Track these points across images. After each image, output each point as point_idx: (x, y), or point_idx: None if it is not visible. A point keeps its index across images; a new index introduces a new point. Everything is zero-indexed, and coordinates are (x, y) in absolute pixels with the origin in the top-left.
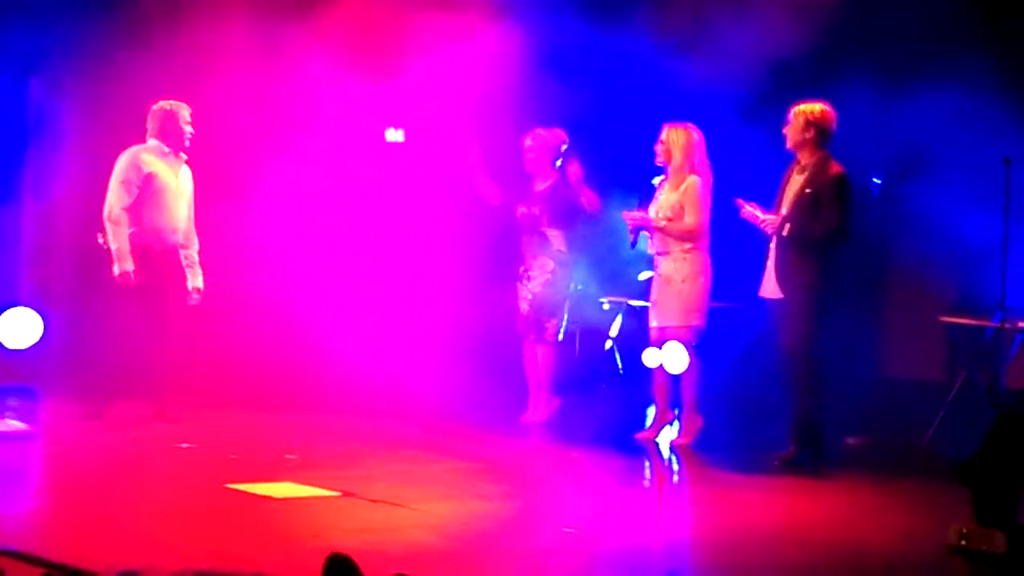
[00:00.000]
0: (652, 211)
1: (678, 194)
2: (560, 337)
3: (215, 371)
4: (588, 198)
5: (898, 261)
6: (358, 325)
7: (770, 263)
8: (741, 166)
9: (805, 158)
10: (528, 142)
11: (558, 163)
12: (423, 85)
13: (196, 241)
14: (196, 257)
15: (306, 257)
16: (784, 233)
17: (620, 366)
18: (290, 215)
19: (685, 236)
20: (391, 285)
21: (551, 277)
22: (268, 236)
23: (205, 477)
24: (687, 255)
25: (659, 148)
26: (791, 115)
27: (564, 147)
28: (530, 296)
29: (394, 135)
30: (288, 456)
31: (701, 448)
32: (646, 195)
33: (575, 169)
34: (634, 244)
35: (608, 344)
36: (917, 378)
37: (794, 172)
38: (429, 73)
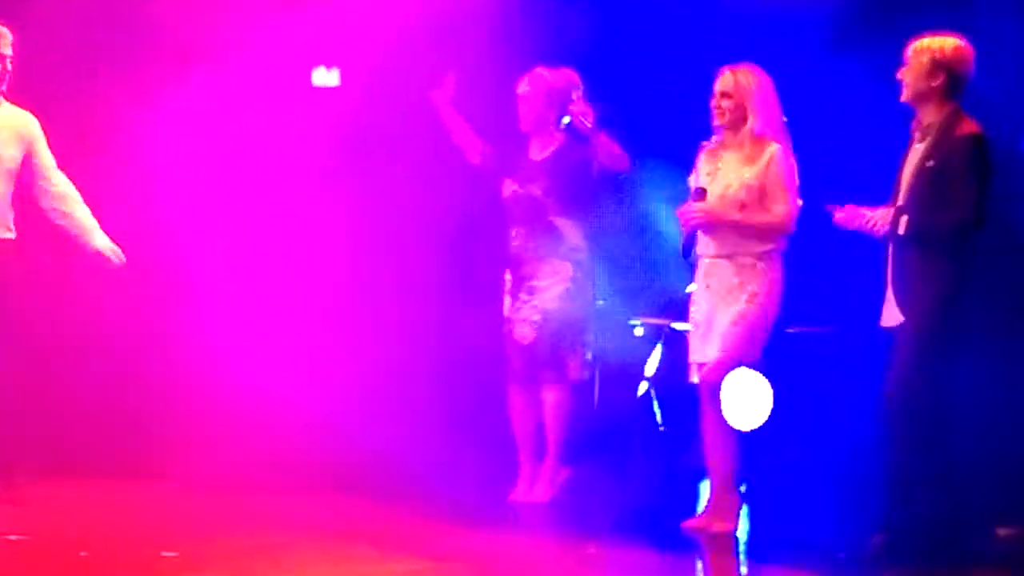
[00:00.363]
0: (712, 196)
1: (755, 169)
2: (585, 375)
3: (64, 420)
4: (610, 152)
5: None
6: (273, 349)
7: (887, 275)
8: (823, 129)
9: (928, 116)
10: (523, 87)
11: (566, 120)
12: (364, 8)
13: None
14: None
15: (199, 248)
16: (900, 231)
17: (659, 419)
18: (179, 192)
19: (766, 233)
20: (321, 295)
21: (570, 287)
22: (147, 221)
23: None
24: (760, 261)
25: (720, 102)
26: (910, 53)
27: (576, 95)
28: (537, 317)
29: (325, 77)
30: (165, 553)
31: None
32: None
33: (583, 110)
34: (688, 252)
35: (642, 387)
36: None
37: (914, 138)
38: None
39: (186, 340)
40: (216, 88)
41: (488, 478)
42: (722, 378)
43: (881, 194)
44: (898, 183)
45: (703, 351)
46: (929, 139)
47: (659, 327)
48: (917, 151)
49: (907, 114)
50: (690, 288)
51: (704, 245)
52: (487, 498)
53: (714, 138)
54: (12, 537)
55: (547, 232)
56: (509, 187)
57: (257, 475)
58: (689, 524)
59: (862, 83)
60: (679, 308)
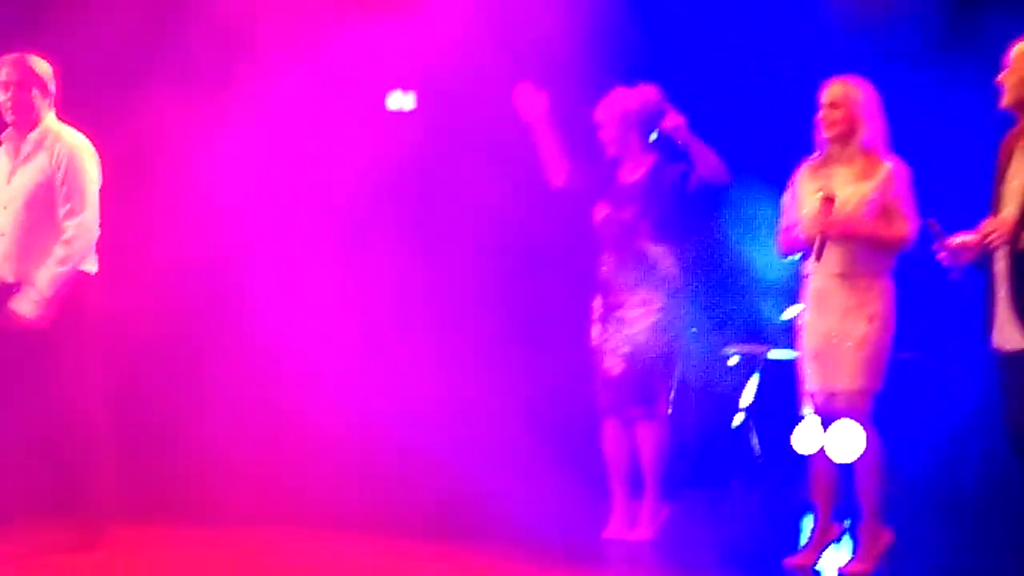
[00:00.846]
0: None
1: (873, 184)
2: (678, 410)
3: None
4: (707, 163)
5: None
6: (355, 383)
7: (1002, 294)
8: (911, 140)
9: None
10: (603, 110)
11: (653, 136)
12: (442, 29)
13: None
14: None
15: (271, 272)
16: (1021, 246)
17: (757, 451)
18: (252, 215)
19: (889, 250)
20: (402, 324)
21: (660, 318)
22: (219, 244)
23: None
24: (877, 282)
25: (829, 113)
26: (1013, 56)
27: (658, 114)
28: (628, 349)
29: (400, 100)
30: None
31: None
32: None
33: (676, 121)
34: (818, 255)
35: (738, 419)
36: None
37: (1018, 145)
38: (451, 12)
39: (257, 375)
40: (289, 119)
41: (581, 514)
42: (846, 407)
43: (975, 206)
44: (997, 194)
45: (821, 378)
46: None
47: (754, 355)
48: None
49: (1002, 121)
50: (791, 312)
51: (820, 264)
52: (581, 536)
53: (817, 153)
54: None
55: (638, 259)
56: (601, 211)
57: (343, 511)
58: (792, 561)
59: (942, 94)
60: (775, 335)
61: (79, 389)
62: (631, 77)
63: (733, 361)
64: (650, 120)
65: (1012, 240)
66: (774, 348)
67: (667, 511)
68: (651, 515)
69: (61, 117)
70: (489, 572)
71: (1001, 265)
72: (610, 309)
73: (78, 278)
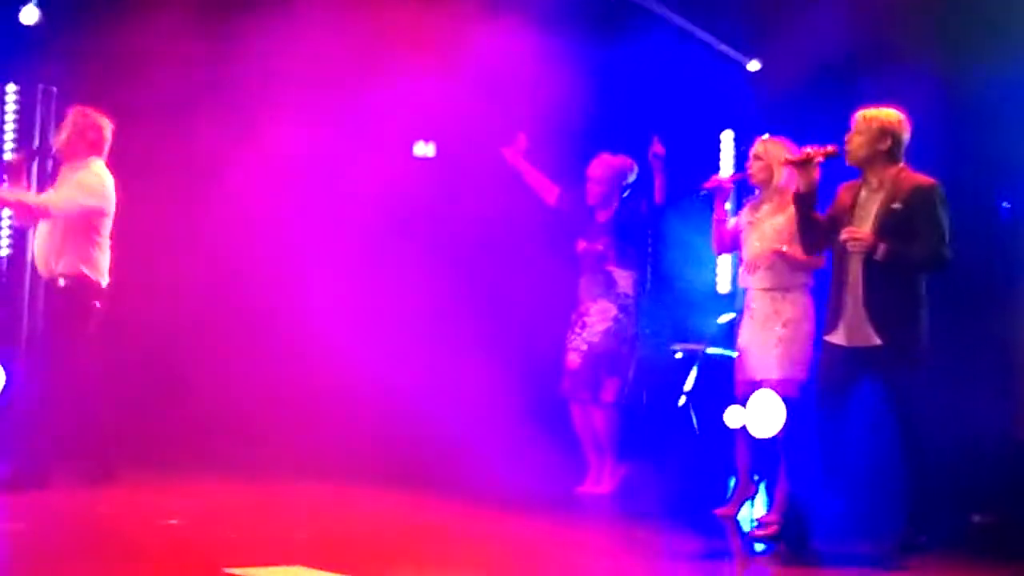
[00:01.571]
0: (754, 241)
1: (786, 218)
2: (619, 399)
3: (203, 427)
4: (660, 187)
5: None
6: (375, 372)
7: (848, 297)
8: None
9: (877, 173)
10: (593, 170)
11: (625, 194)
12: (460, 89)
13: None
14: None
15: (314, 288)
16: (877, 256)
17: (696, 426)
18: (294, 242)
19: (802, 270)
20: (421, 326)
21: (612, 325)
22: (268, 267)
23: (199, 560)
24: (794, 294)
25: (754, 164)
26: (857, 120)
27: (632, 177)
28: (584, 347)
29: (423, 149)
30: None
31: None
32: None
33: (660, 150)
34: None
35: (682, 400)
36: None
37: (861, 192)
38: (469, 76)
39: (305, 362)
40: (325, 164)
41: (561, 473)
42: (783, 394)
43: None
44: (842, 221)
45: (751, 370)
46: (888, 189)
47: (694, 351)
48: (874, 198)
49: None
50: (723, 318)
51: (750, 278)
52: (560, 489)
53: (756, 192)
54: (171, 521)
55: (603, 279)
56: (580, 244)
57: (366, 470)
58: (719, 511)
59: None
60: (712, 334)
61: (69, 366)
62: (609, 143)
63: (679, 355)
64: (625, 180)
65: (870, 250)
66: (711, 346)
67: (623, 471)
68: (610, 474)
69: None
70: (475, 517)
71: (855, 273)
72: (578, 316)
73: (85, 283)
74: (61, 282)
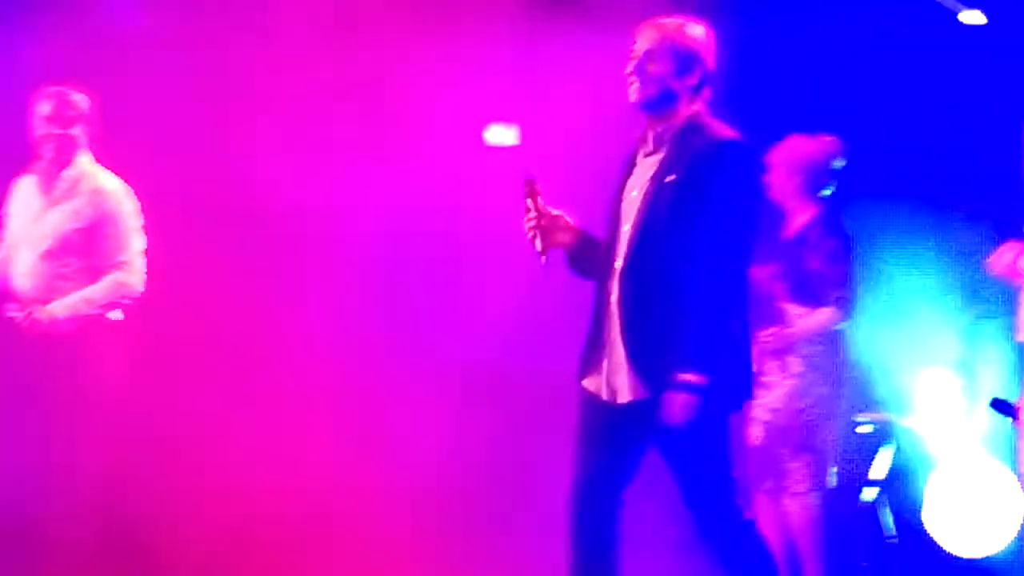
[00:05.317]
0: None
1: None
2: (815, 486)
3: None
4: None
5: None
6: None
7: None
8: None
9: None
10: (775, 156)
11: (827, 192)
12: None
13: None
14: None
15: (368, 314)
16: None
17: (891, 530)
18: (347, 254)
19: None
20: (502, 375)
21: (798, 385)
22: (311, 288)
23: None
24: None
25: None
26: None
27: (837, 164)
28: (766, 416)
29: (500, 135)
30: None
31: None
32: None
33: None
34: None
35: (870, 493)
36: None
37: None
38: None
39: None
40: (383, 155)
41: None
42: None
43: None
44: None
45: None
46: None
47: (883, 422)
48: None
49: None
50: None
51: None
52: None
53: None
54: None
55: (780, 321)
56: (754, 269)
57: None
58: None
59: None
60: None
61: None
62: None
63: (865, 428)
64: (827, 171)
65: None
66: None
67: None
68: None
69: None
70: None
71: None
72: (757, 374)
73: (102, 323)
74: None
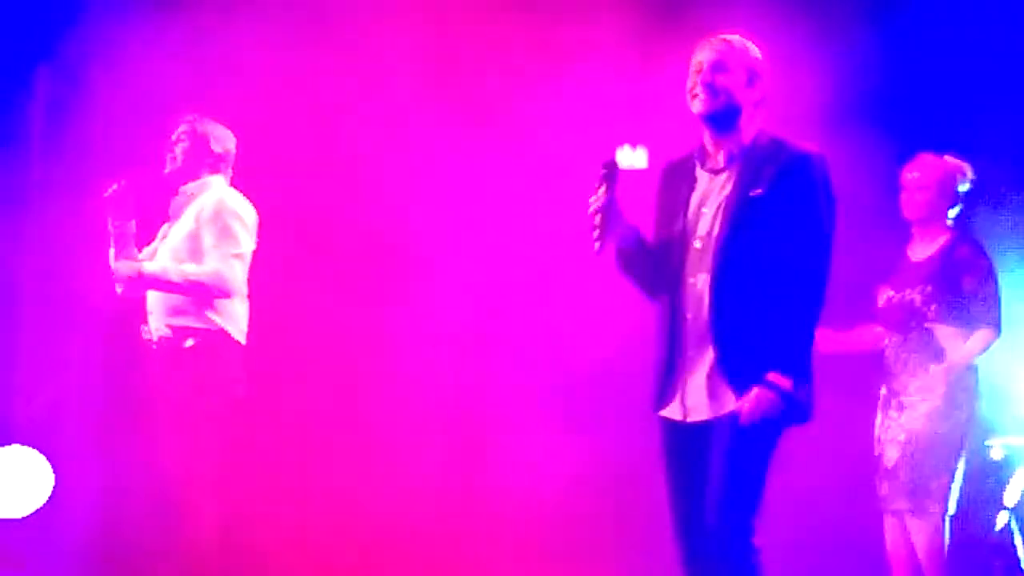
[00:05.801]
0: None
1: None
2: (948, 509)
3: None
4: None
5: None
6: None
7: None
8: None
9: None
10: (912, 174)
11: (954, 212)
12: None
13: None
14: None
15: (480, 328)
16: None
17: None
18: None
19: None
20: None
21: (940, 406)
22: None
23: None
24: None
25: None
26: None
27: (965, 185)
28: (902, 436)
29: (631, 158)
30: None
31: None
32: None
33: None
34: None
35: (1003, 519)
36: None
37: None
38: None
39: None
40: (494, 179)
41: None
42: None
43: None
44: None
45: None
46: None
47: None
48: None
49: None
50: None
51: None
52: None
53: None
54: None
55: (924, 342)
56: (884, 294)
57: None
58: None
59: None
60: None
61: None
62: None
63: (998, 452)
64: (955, 192)
65: None
66: None
67: None
68: None
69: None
70: None
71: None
72: (892, 395)
73: (222, 340)
74: (189, 342)
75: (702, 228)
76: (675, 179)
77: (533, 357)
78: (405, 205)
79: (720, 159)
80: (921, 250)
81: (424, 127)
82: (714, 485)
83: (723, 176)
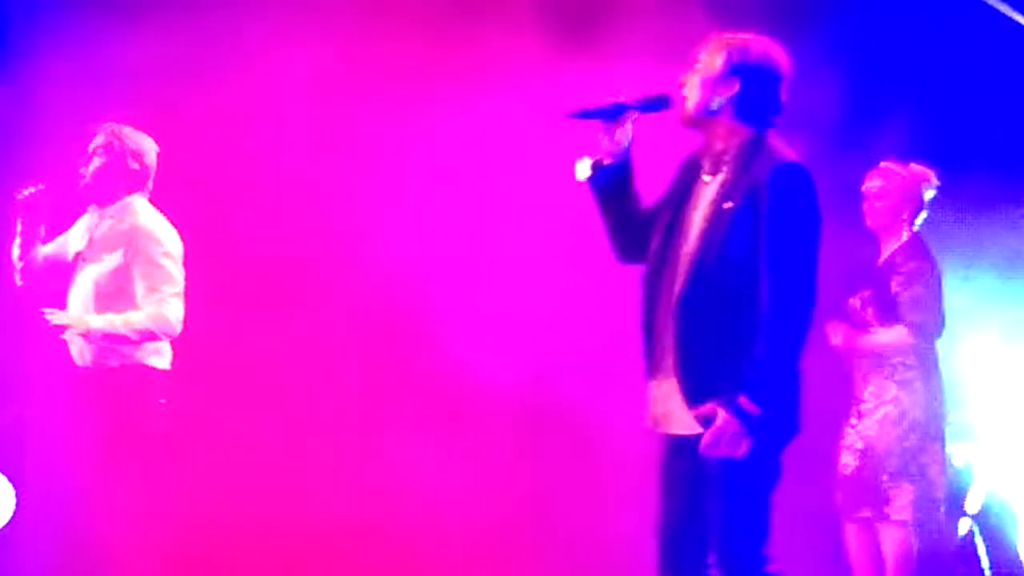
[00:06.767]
0: None
1: None
2: (919, 516)
3: None
4: None
5: None
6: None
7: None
8: None
9: None
10: (873, 183)
11: (919, 221)
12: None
13: None
14: None
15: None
16: None
17: (986, 568)
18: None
19: None
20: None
21: (892, 412)
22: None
23: None
24: None
25: None
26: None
27: (929, 193)
28: (860, 444)
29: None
30: None
31: None
32: None
33: None
34: None
35: (965, 526)
36: None
37: None
38: None
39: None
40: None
41: None
42: None
43: None
44: None
45: None
46: None
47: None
48: None
49: None
50: None
51: None
52: None
53: None
54: None
55: (867, 346)
56: (851, 301)
57: None
58: None
59: None
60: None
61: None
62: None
63: (958, 460)
64: (918, 200)
65: None
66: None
67: None
68: None
69: None
70: None
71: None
72: (853, 402)
73: (144, 373)
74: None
75: (691, 235)
76: (685, 172)
77: (500, 353)
78: (343, 214)
79: (707, 164)
80: (884, 251)
81: (343, 125)
82: (713, 517)
83: (712, 181)
